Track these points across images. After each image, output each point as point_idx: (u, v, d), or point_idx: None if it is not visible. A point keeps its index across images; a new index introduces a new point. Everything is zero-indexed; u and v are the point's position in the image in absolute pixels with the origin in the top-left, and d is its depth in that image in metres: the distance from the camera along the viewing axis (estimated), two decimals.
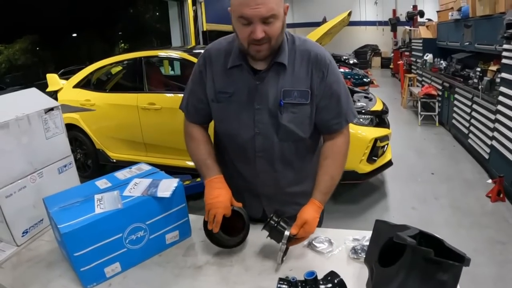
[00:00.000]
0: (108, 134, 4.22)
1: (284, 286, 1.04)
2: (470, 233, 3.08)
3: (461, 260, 0.83)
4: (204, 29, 9.90)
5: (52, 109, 1.55)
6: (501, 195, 3.60)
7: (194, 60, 3.84)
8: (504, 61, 3.82)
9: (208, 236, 1.29)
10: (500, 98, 3.87)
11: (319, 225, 1.53)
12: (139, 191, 1.26)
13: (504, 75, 3.81)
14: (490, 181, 4.08)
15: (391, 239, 0.94)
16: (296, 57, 1.26)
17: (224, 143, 1.40)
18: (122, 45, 15.47)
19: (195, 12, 9.49)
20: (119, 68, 4.60)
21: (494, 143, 4.02)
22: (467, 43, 5.54)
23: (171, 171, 3.87)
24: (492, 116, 4.10)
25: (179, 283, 1.17)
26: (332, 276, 1.06)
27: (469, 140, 4.92)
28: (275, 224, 1.21)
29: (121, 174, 1.42)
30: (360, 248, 1.29)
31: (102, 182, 1.37)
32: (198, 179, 3.80)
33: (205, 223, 1.27)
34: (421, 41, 8.33)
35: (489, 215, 3.41)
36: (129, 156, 4.15)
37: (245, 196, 1.41)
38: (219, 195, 1.25)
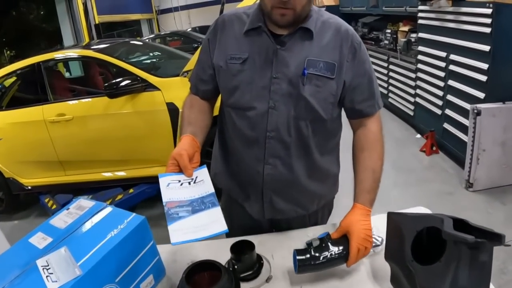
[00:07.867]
0: (16, 159, 3.57)
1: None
2: (419, 189, 3.18)
3: (495, 237, 0.81)
4: (97, 22, 9.17)
5: None
6: (434, 148, 3.79)
7: (99, 56, 3.41)
8: (420, 21, 3.97)
9: None
10: (420, 57, 4.04)
11: (323, 221, 1.40)
12: None
13: (421, 34, 3.97)
14: (419, 136, 4.28)
15: (419, 233, 0.90)
16: (324, 28, 1.13)
17: (231, 123, 1.22)
18: (8, 52, 13.72)
19: (85, 5, 8.72)
20: (13, 79, 3.90)
21: (418, 99, 4.20)
22: (373, 7, 5.67)
23: (98, 186, 3.49)
24: (413, 75, 4.27)
25: None
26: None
27: (390, 100, 5.12)
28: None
29: (60, 221, 1.08)
30: None
31: (38, 238, 1.02)
32: (131, 191, 3.41)
33: None
34: (324, 9, 8.43)
35: (429, 169, 3.57)
36: (45, 180, 3.55)
37: (249, 192, 1.27)
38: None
